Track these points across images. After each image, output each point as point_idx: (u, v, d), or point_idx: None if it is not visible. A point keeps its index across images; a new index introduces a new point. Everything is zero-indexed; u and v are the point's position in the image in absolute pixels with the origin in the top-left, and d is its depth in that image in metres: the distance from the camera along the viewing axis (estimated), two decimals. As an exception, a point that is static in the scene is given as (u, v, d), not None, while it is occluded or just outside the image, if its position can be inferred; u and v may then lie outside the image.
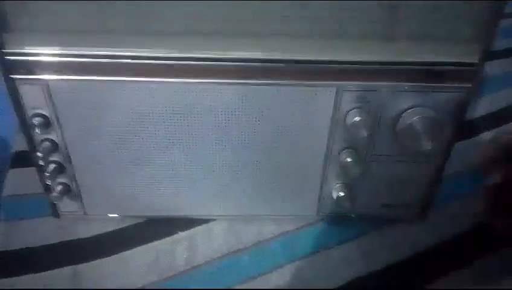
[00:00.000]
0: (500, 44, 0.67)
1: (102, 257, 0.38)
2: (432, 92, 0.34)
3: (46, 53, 0.32)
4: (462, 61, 0.33)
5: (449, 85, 0.34)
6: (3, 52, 0.31)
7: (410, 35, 0.32)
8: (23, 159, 0.45)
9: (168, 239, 0.40)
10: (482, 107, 0.56)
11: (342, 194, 0.39)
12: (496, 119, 0.55)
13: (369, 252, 0.40)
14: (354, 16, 0.31)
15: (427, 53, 0.33)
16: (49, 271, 0.37)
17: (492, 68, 0.63)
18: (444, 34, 0.32)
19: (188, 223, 0.41)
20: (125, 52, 0.32)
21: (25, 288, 0.36)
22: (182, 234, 0.41)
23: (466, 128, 0.53)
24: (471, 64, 0.34)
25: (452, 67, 0.34)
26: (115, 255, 0.39)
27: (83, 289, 0.36)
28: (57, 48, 0.32)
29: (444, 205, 0.44)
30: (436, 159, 0.38)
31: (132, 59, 0.32)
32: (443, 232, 0.41)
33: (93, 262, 0.38)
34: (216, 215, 0.42)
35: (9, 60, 0.31)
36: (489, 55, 0.62)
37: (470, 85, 0.34)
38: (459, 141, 0.50)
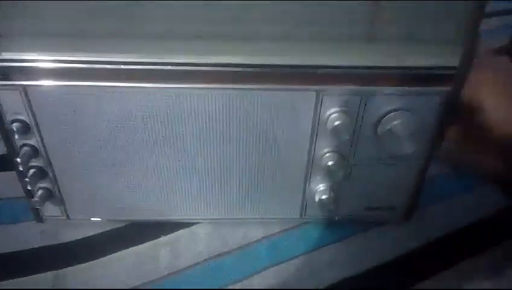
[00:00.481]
0: (495, 43, 0.67)
1: (85, 262, 0.38)
2: (413, 95, 0.34)
3: (23, 59, 0.31)
4: (443, 64, 0.33)
5: (430, 88, 0.34)
6: (-21, 58, 0.31)
7: (390, 38, 0.32)
8: (6, 163, 0.45)
9: (151, 243, 0.40)
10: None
11: (324, 197, 0.39)
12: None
13: (354, 254, 0.40)
14: (334, 18, 0.31)
15: (407, 56, 0.33)
16: (31, 276, 0.37)
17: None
18: (425, 37, 0.32)
19: (172, 226, 0.41)
20: (104, 58, 0.32)
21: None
22: (165, 238, 0.41)
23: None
24: (452, 68, 0.33)
25: (433, 71, 0.34)
26: (98, 260, 0.39)
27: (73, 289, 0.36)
28: (34, 53, 0.31)
29: (429, 206, 0.44)
30: (419, 161, 0.38)
31: (111, 64, 0.32)
32: (428, 233, 0.41)
33: (75, 267, 0.38)
34: (200, 219, 0.42)
35: (-15, 66, 0.31)
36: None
37: (451, 88, 0.34)
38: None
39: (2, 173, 0.45)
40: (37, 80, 0.32)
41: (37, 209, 0.39)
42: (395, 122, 0.34)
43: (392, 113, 0.35)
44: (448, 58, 0.33)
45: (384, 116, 0.35)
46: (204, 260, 0.39)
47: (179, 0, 0.30)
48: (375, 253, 0.40)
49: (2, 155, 0.46)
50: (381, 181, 0.39)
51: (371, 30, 0.32)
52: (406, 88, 0.34)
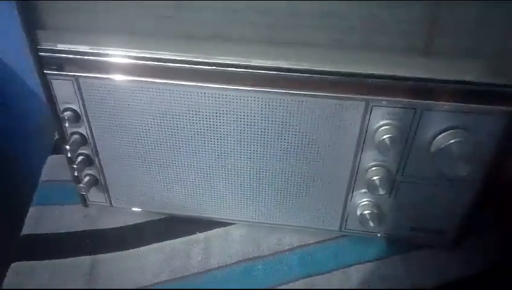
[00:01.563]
0: None
1: (121, 250, 0.39)
2: (473, 114, 0.31)
3: (77, 51, 0.33)
4: (509, 83, 0.30)
5: (493, 107, 0.31)
6: (37, 48, 0.32)
7: (452, 51, 0.30)
8: (59, 147, 0.48)
9: (185, 239, 0.40)
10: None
11: (366, 212, 0.37)
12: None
13: (390, 276, 0.37)
14: (388, 27, 0.29)
15: (468, 71, 0.30)
16: (70, 258, 0.39)
17: None
18: (490, 51, 0.29)
19: (208, 224, 0.41)
20: (151, 54, 0.32)
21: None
22: (200, 235, 0.41)
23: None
24: (520, 87, 0.30)
25: (497, 88, 0.30)
26: (133, 249, 0.39)
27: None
28: (87, 46, 0.32)
29: (482, 234, 0.40)
30: (473, 185, 0.35)
31: (159, 61, 0.32)
32: (474, 264, 0.38)
33: (111, 254, 0.39)
34: (236, 220, 0.42)
35: (42, 56, 0.33)
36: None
37: (517, 109, 0.31)
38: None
39: (57, 156, 0.47)
40: (89, 72, 0.33)
41: (83, 194, 0.41)
42: (451, 141, 0.32)
43: (448, 131, 0.32)
44: (515, 76, 0.30)
45: (440, 134, 0.32)
46: (235, 262, 0.39)
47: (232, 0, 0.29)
48: (414, 278, 0.37)
49: (57, 139, 0.49)
50: (429, 201, 0.37)
51: (428, 42, 0.29)
52: (466, 105, 0.31)
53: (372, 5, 0.28)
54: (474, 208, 0.36)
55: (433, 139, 0.33)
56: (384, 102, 0.32)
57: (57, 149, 0.48)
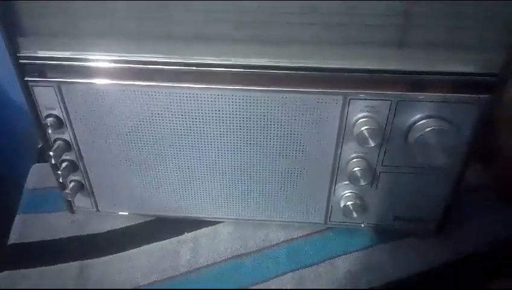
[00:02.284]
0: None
1: (110, 254, 0.40)
2: (448, 102, 0.32)
3: (58, 57, 0.33)
4: (482, 71, 0.31)
5: (467, 96, 0.32)
6: (18, 56, 0.33)
7: (425, 42, 0.31)
8: (44, 154, 0.47)
9: (174, 239, 0.41)
10: None
11: (349, 203, 0.38)
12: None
13: (376, 265, 0.38)
14: (364, 22, 0.30)
15: (442, 62, 0.31)
16: (58, 265, 0.39)
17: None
18: (462, 42, 0.31)
19: (195, 224, 0.42)
20: (134, 57, 0.33)
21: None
22: (188, 235, 0.41)
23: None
24: (491, 75, 0.31)
25: (470, 78, 0.32)
26: (122, 253, 0.40)
27: (83, 289, 0.37)
28: (68, 52, 0.33)
29: (463, 221, 0.41)
30: (452, 174, 0.36)
31: (141, 64, 0.33)
32: (457, 249, 0.39)
33: (100, 258, 0.39)
34: (223, 218, 0.42)
35: (23, 63, 0.33)
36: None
37: (489, 96, 0.32)
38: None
39: (42, 164, 0.47)
40: (71, 78, 0.33)
41: (69, 200, 0.41)
42: (427, 130, 0.33)
43: (424, 120, 0.33)
44: (488, 65, 0.31)
45: (416, 123, 0.33)
46: (224, 260, 0.39)
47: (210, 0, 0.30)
48: (398, 265, 0.38)
49: (41, 147, 0.49)
50: (410, 191, 0.38)
51: (403, 35, 0.30)
52: (441, 95, 0.32)
53: (348, 0, 0.29)
54: (454, 196, 0.37)
55: (410, 129, 0.34)
56: (361, 95, 0.33)
57: (42, 157, 0.48)
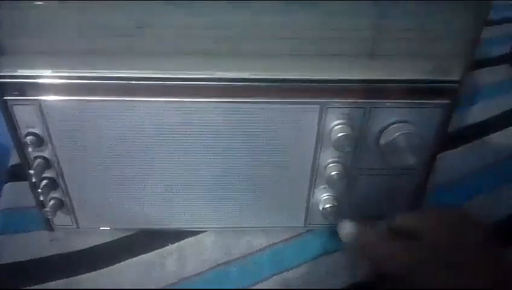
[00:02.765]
0: (496, 51, 0.69)
1: (95, 270, 0.39)
2: (414, 108, 0.35)
3: (37, 75, 0.33)
4: (443, 78, 0.34)
5: (430, 101, 0.35)
6: (-4, 74, 0.32)
7: (393, 54, 0.33)
8: (20, 173, 0.46)
9: (158, 251, 0.41)
10: (474, 115, 0.57)
11: (328, 206, 0.40)
12: (487, 127, 0.56)
13: (354, 263, 0.40)
14: (337, 35, 0.33)
15: (409, 71, 0.34)
16: (42, 284, 0.38)
17: (488, 75, 0.64)
18: (426, 52, 0.34)
19: (179, 235, 0.42)
20: (114, 74, 0.33)
21: None
22: (172, 246, 0.42)
23: (456, 138, 0.54)
24: (452, 82, 0.35)
25: (434, 84, 0.35)
26: (106, 268, 0.39)
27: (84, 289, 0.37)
28: (48, 70, 0.33)
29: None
30: (420, 172, 0.39)
31: (120, 80, 0.33)
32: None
33: (85, 275, 0.39)
34: (206, 228, 0.43)
35: (2, 82, 0.33)
36: (485, 62, 0.64)
37: (450, 101, 0.35)
38: (448, 150, 0.51)
39: (14, 183, 0.46)
40: (51, 95, 0.33)
41: (48, 218, 0.40)
42: (396, 134, 0.35)
43: (394, 125, 0.36)
44: (450, 72, 0.34)
45: (387, 128, 0.36)
46: (209, 268, 0.40)
47: (188, 19, 0.31)
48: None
49: (14, 165, 0.48)
50: (383, 191, 0.40)
51: (373, 47, 0.33)
52: (408, 101, 0.35)
53: (323, 16, 0.31)
54: (422, 193, 0.41)
55: (381, 134, 0.36)
56: (336, 103, 0.35)
57: (13, 176, 0.47)
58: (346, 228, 0.37)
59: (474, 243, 0.32)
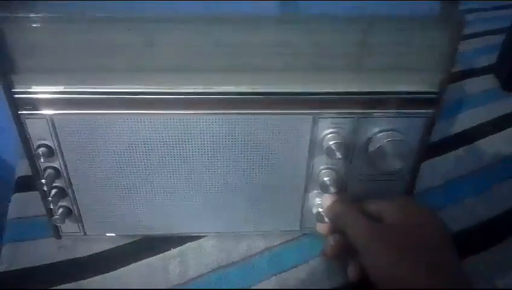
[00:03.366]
0: (482, 61, 0.72)
1: (101, 274, 0.41)
2: (399, 117, 0.38)
3: (50, 91, 0.35)
4: (425, 90, 0.37)
5: (414, 111, 0.38)
6: (12, 91, 0.35)
7: (378, 67, 0.36)
8: (26, 184, 0.48)
9: (161, 256, 0.43)
10: (460, 123, 0.60)
11: (321, 210, 0.42)
12: (473, 134, 0.59)
13: (347, 263, 0.43)
14: (326, 51, 0.35)
15: (393, 83, 0.37)
16: (54, 287, 0.40)
17: (474, 85, 0.67)
18: (408, 66, 0.36)
19: (181, 240, 0.44)
20: (121, 89, 0.36)
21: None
22: (174, 251, 0.44)
23: (442, 145, 0.57)
24: (432, 93, 0.37)
25: (416, 96, 0.37)
26: (113, 272, 0.41)
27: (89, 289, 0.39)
28: (60, 86, 0.35)
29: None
30: (406, 176, 0.42)
31: (127, 95, 0.36)
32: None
33: (92, 279, 0.41)
34: (207, 233, 0.45)
35: (17, 98, 0.35)
36: (471, 73, 0.67)
37: (432, 111, 0.38)
38: (435, 157, 0.54)
39: (22, 193, 0.48)
40: (62, 110, 0.36)
41: (56, 226, 0.43)
42: (384, 141, 0.38)
43: (381, 133, 0.38)
44: (430, 85, 0.37)
45: (374, 136, 0.39)
46: (211, 271, 0.42)
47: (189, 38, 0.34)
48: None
49: (21, 177, 0.50)
50: (373, 195, 0.43)
51: (360, 62, 0.36)
52: (393, 111, 0.38)
53: (314, 33, 0.34)
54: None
55: (370, 142, 0.39)
56: (328, 114, 0.37)
57: (20, 187, 0.49)
58: (326, 199, 0.41)
59: (430, 233, 0.36)
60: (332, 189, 0.40)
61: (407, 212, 0.38)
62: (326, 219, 0.41)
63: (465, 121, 0.61)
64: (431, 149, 0.55)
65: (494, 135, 0.59)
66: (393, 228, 0.36)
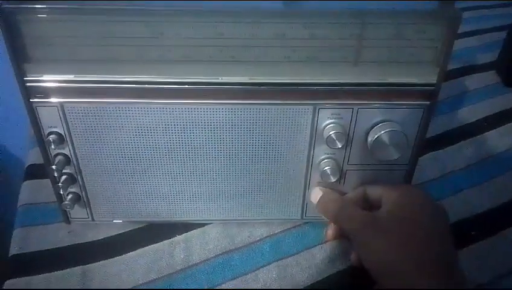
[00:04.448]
0: (484, 58, 0.73)
1: (109, 258, 0.43)
2: (397, 108, 0.39)
3: (60, 80, 0.37)
4: (422, 82, 0.38)
5: (411, 102, 0.39)
6: (24, 79, 0.36)
7: (377, 60, 0.37)
8: (36, 172, 0.50)
9: (166, 241, 0.45)
10: (461, 118, 0.61)
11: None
12: (473, 129, 0.60)
13: (347, 250, 0.44)
14: (325, 44, 0.37)
15: (392, 75, 0.38)
16: (61, 271, 0.41)
17: (475, 81, 0.68)
18: (405, 58, 0.38)
19: (186, 227, 0.46)
20: (129, 78, 0.37)
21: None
22: (180, 237, 0.45)
23: (443, 139, 0.58)
24: (430, 84, 0.38)
25: (415, 87, 0.39)
26: (120, 256, 0.43)
27: (87, 289, 0.40)
28: (70, 75, 0.37)
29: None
30: (404, 167, 0.43)
31: (135, 84, 0.37)
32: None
33: (100, 262, 0.42)
34: (211, 220, 0.46)
35: (29, 86, 0.36)
36: (473, 69, 0.68)
37: (430, 102, 0.39)
38: (436, 150, 0.55)
39: (31, 181, 0.50)
40: (72, 98, 0.37)
41: (66, 211, 0.44)
42: (382, 132, 0.39)
43: (380, 124, 0.40)
44: (428, 77, 0.38)
45: (373, 127, 0.40)
46: (214, 256, 0.44)
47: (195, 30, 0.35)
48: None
49: (31, 165, 0.51)
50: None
51: (359, 54, 0.37)
52: (392, 102, 0.39)
53: (312, 27, 0.35)
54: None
55: (369, 132, 0.40)
56: (328, 104, 0.39)
57: (29, 175, 0.51)
58: (315, 193, 0.43)
59: (426, 222, 0.36)
60: (332, 178, 0.42)
61: (407, 200, 0.39)
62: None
63: (466, 115, 0.62)
64: (433, 142, 0.56)
65: (495, 129, 0.60)
66: (384, 217, 0.37)
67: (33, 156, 0.52)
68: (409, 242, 0.35)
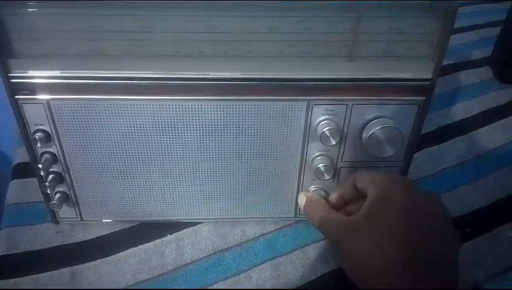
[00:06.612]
0: (478, 53, 0.73)
1: (98, 258, 0.42)
2: (392, 104, 0.39)
3: (46, 76, 0.36)
4: (417, 77, 0.38)
5: (406, 98, 0.38)
6: (9, 76, 0.35)
7: (371, 55, 0.37)
8: (24, 171, 0.49)
9: (157, 241, 0.44)
10: (455, 114, 0.61)
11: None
12: (468, 125, 0.59)
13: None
14: (319, 38, 0.36)
15: (386, 70, 0.38)
16: (49, 272, 0.40)
17: (469, 76, 0.68)
18: (401, 53, 0.37)
19: (177, 226, 0.45)
20: (118, 74, 0.36)
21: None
22: (171, 236, 0.44)
23: (438, 135, 0.57)
24: (425, 80, 0.38)
25: (409, 83, 0.38)
26: (109, 257, 0.42)
27: (77, 289, 0.39)
28: (56, 71, 0.36)
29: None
30: (399, 163, 0.42)
31: (124, 80, 0.36)
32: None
33: (89, 263, 0.41)
34: (203, 219, 0.46)
35: (14, 82, 0.35)
36: (467, 64, 0.68)
37: (424, 98, 0.38)
38: (431, 146, 0.55)
39: (19, 180, 0.49)
40: (59, 94, 0.36)
41: (54, 211, 0.43)
42: (377, 128, 0.38)
43: (374, 120, 0.39)
44: (423, 72, 0.38)
45: (368, 123, 0.39)
46: (207, 255, 0.43)
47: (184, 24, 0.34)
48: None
49: (18, 164, 0.50)
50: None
51: (353, 49, 0.36)
52: (386, 98, 0.38)
53: (306, 21, 0.35)
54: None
55: (363, 128, 0.40)
56: (321, 100, 0.38)
57: (17, 175, 0.49)
58: (301, 199, 0.42)
59: (407, 220, 0.33)
60: (326, 176, 0.41)
61: (387, 196, 0.35)
62: None
63: (461, 111, 0.61)
64: (427, 138, 0.56)
65: (489, 125, 0.59)
66: (357, 222, 0.35)
67: (21, 155, 0.51)
68: (381, 246, 0.32)
